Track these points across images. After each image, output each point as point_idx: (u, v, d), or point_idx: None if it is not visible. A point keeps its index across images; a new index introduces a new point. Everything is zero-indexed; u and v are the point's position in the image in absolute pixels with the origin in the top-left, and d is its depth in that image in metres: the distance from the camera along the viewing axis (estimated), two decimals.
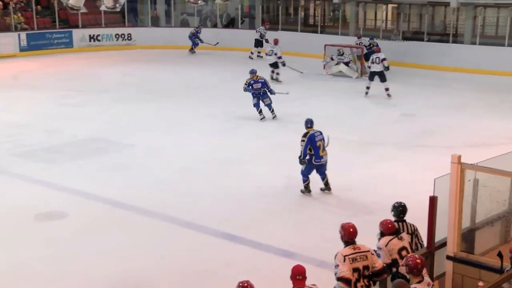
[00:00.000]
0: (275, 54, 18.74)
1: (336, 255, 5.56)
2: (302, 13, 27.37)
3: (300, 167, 9.76)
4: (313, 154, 9.57)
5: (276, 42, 19.35)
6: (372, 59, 17.18)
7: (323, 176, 9.86)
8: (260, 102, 14.39)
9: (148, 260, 7.68)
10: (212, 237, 8.37)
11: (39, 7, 25.23)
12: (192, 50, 24.46)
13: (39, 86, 18.29)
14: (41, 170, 10.97)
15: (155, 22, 27.87)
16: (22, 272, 7.39)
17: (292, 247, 7.94)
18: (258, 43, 23.33)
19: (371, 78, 17.26)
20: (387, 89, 17.07)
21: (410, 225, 6.44)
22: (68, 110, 15.28)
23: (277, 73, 18.96)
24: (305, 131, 9.74)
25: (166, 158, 11.80)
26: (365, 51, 20.93)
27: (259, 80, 14.30)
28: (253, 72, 14.38)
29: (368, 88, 17.28)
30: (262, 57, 22.28)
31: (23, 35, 23.87)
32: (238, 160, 11.57)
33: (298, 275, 5.16)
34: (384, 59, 16.88)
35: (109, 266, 7.51)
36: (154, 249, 8.02)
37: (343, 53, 20.56)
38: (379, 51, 17.42)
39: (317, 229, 8.47)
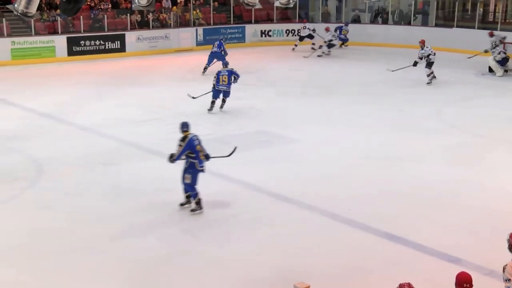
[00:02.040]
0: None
1: (504, 268, 5.17)
2: (481, 9, 25.92)
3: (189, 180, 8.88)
4: (195, 159, 8.75)
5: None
6: None
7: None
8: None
9: (308, 252, 7.72)
10: (373, 236, 8.21)
11: (216, 3, 26.41)
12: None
13: (211, 79, 19.05)
14: None
15: (326, 18, 27.95)
16: (191, 255, 7.74)
17: (458, 253, 7.53)
18: (309, 37, 23.98)
19: None
20: None
21: None
22: (236, 103, 15.75)
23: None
24: (182, 135, 8.83)
25: (329, 153, 11.76)
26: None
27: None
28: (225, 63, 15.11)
29: None
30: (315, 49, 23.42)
31: (200, 30, 25.16)
32: (401, 159, 11.24)
33: (465, 283, 4.89)
34: None
35: (271, 256, 7.66)
36: (313, 243, 8.03)
37: (495, 46, 19.30)
38: None
39: (487, 236, 7.94)
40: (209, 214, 8.95)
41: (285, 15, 27.59)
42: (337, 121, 13.99)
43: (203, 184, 10.11)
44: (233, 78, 14.60)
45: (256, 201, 9.47)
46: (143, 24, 24.41)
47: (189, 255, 7.72)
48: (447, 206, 9.12)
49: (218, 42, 20.09)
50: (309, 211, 9.07)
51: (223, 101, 14.79)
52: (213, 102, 14.65)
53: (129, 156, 11.64)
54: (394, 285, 4.91)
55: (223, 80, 14.51)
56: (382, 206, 9.15)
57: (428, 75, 18.03)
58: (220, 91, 14.60)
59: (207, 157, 8.91)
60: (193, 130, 8.91)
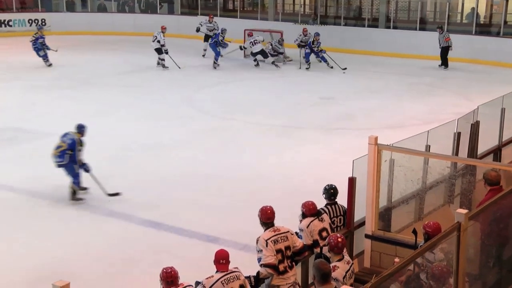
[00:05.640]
0: (158, 41, 18.43)
1: (258, 240, 5.64)
2: None
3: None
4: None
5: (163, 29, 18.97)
6: None
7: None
8: None
9: (72, 250, 7.54)
10: (138, 226, 8.27)
11: None
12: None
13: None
14: None
15: (71, 7, 27.06)
16: None
17: (216, 232, 7.97)
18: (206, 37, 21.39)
19: None
20: None
21: (340, 206, 6.58)
22: None
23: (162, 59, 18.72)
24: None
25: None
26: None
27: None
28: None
29: None
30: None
31: None
32: (159, 146, 11.50)
33: (222, 259, 5.22)
34: None
35: (27, 258, 7.31)
36: (78, 239, 7.85)
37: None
38: None
39: (241, 213, 8.52)
40: None
41: (25, 4, 26.09)
42: (93, 113, 13.69)
43: None
44: None
45: (11, 202, 8.95)
46: None
47: None
48: (201, 189, 9.50)
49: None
50: (67, 207, 8.83)
51: None
52: None
53: None
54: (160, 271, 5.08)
55: None
56: (142, 195, 9.26)
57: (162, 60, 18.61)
58: None
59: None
60: None
